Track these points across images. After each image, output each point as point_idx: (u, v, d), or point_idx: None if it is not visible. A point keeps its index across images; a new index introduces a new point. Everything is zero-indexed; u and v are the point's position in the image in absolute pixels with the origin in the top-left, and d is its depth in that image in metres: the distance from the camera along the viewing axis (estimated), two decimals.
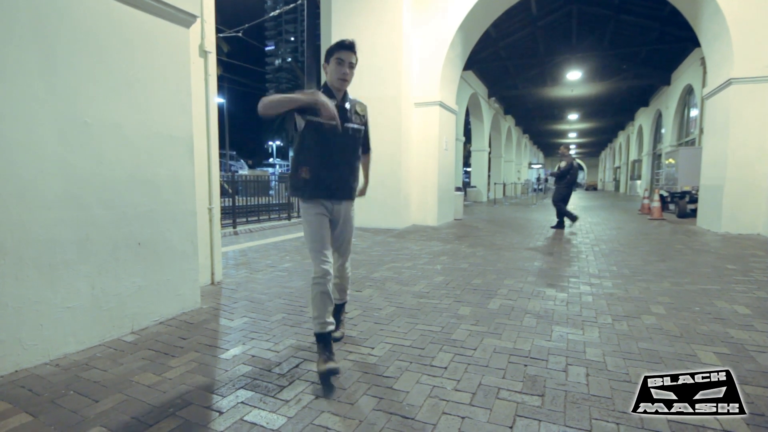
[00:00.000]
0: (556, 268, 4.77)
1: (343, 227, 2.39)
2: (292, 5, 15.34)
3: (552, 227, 8.50)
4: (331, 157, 2.21)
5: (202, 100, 3.79)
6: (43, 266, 2.30)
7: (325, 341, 2.20)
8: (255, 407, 1.89)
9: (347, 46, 2.18)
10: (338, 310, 2.64)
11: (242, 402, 1.93)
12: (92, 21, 2.49)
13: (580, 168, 9.06)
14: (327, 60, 2.23)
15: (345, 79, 2.21)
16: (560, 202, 8.38)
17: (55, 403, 1.91)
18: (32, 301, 2.26)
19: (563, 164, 8.44)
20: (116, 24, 2.62)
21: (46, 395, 1.98)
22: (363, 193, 2.67)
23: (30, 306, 2.25)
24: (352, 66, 2.21)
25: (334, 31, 8.84)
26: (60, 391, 2.02)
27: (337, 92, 2.26)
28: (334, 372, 2.07)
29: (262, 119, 2.30)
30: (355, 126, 2.30)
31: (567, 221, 8.52)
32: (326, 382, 2.07)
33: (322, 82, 2.32)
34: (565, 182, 8.39)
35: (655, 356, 2.39)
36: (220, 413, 1.84)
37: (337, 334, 2.52)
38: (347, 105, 2.28)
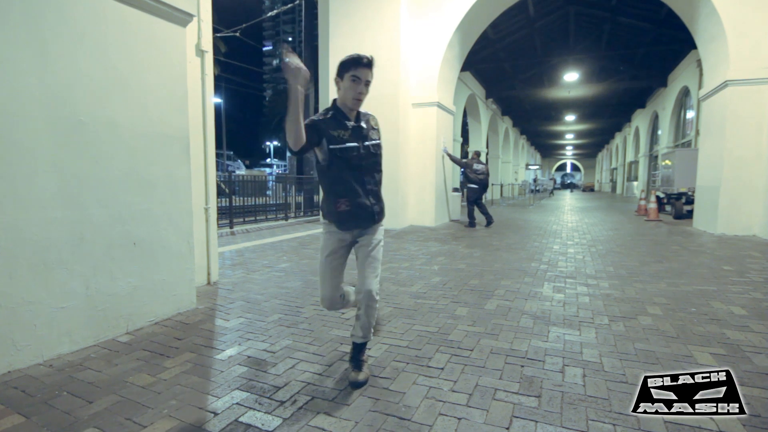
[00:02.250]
0: (553, 269, 4.77)
1: (368, 244, 2.14)
2: (289, 5, 15.34)
3: (485, 225, 8.99)
4: (363, 183, 2.09)
5: (199, 99, 3.78)
6: (37, 266, 2.28)
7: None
8: (250, 408, 1.87)
9: (365, 64, 1.98)
10: (357, 350, 2.19)
11: (237, 403, 1.92)
12: (87, 19, 2.47)
13: (484, 176, 9.31)
14: (340, 75, 2.02)
15: (360, 99, 2.04)
16: (470, 203, 9.02)
17: (49, 404, 1.89)
18: (26, 301, 2.24)
19: (465, 160, 9.15)
20: (112, 22, 2.60)
21: (40, 396, 1.96)
22: None
23: (24, 306, 2.24)
24: (368, 84, 2.03)
25: (331, 31, 8.83)
26: (53, 392, 2.01)
27: (350, 112, 2.09)
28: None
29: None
30: (375, 141, 2.15)
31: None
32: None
33: (331, 99, 2.19)
34: (473, 183, 8.94)
35: (652, 357, 2.39)
36: (215, 414, 1.82)
37: (361, 377, 2.11)
38: (363, 123, 2.12)
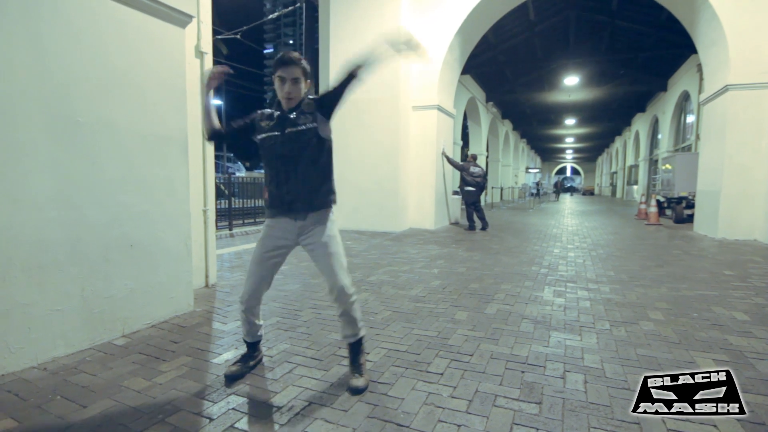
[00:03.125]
0: (554, 272, 4.74)
1: (320, 244, 2.08)
2: (290, 8, 15.37)
3: (480, 229, 8.91)
4: (279, 171, 2.04)
5: (198, 101, 3.76)
6: (31, 268, 2.25)
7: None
8: (246, 414, 1.84)
9: (287, 62, 1.97)
10: (354, 352, 2.18)
11: (233, 408, 1.89)
12: (85, 18, 2.46)
13: (481, 178, 9.32)
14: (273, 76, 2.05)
15: (289, 98, 2.01)
16: (469, 206, 9.00)
17: (42, 409, 1.86)
18: (20, 303, 2.21)
19: (463, 163, 9.20)
20: (110, 22, 2.59)
21: (33, 400, 1.93)
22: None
23: (18, 308, 2.21)
24: (296, 81, 1.99)
25: (332, 34, 8.83)
26: (47, 395, 1.98)
27: (287, 105, 2.06)
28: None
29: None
30: (301, 128, 2.02)
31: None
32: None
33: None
34: (470, 186, 8.94)
35: (654, 363, 2.36)
36: (211, 420, 1.79)
37: (360, 383, 2.07)
38: (293, 113, 2.04)
